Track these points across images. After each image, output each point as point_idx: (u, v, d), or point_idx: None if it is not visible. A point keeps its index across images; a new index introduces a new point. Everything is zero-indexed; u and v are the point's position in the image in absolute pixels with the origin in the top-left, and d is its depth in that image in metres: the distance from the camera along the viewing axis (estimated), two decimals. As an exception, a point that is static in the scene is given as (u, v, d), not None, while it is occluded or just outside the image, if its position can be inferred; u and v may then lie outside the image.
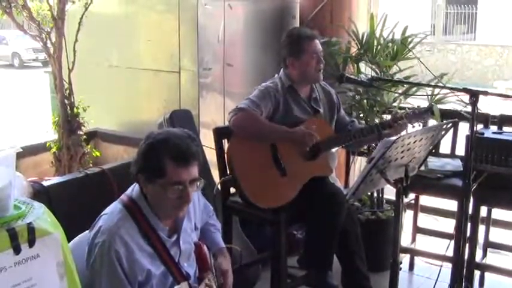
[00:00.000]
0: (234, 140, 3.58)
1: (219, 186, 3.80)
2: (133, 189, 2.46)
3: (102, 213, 2.43)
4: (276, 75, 3.79)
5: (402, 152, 2.72)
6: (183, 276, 2.46)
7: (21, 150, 1.87)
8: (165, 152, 2.31)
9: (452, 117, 3.79)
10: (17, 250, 1.80)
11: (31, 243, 1.83)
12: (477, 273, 4.07)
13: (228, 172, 3.65)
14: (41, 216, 1.92)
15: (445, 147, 4.20)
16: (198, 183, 2.40)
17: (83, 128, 4.20)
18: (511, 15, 19.83)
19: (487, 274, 4.22)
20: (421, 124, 3.63)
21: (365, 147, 4.43)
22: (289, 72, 3.71)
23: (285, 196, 3.51)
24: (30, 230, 1.83)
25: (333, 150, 3.81)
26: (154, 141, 2.36)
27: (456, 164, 3.94)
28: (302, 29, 3.83)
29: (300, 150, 3.57)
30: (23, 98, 15.31)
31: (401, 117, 3.55)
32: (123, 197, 2.46)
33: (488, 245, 4.27)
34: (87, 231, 2.46)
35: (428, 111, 3.63)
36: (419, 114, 3.59)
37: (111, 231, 2.29)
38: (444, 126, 2.99)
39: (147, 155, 2.35)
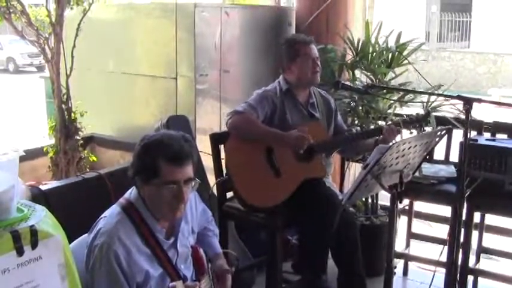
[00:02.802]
0: (231, 141, 3.64)
1: (214, 189, 3.83)
2: (131, 192, 2.50)
3: (101, 216, 2.46)
4: (276, 80, 3.85)
5: (397, 158, 2.74)
6: (180, 279, 2.48)
7: (23, 153, 1.90)
8: (159, 152, 2.35)
9: (446, 124, 3.83)
10: (20, 252, 1.82)
11: (34, 245, 1.86)
12: (470, 278, 4.10)
13: (225, 173, 3.69)
14: (43, 218, 1.94)
15: (439, 153, 4.24)
16: (193, 183, 2.44)
17: (80, 133, 4.22)
18: (504, 23, 19.93)
19: (480, 279, 4.24)
20: (418, 130, 3.68)
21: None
22: (287, 76, 3.80)
23: (278, 196, 3.56)
24: (33, 232, 1.86)
25: (329, 157, 3.86)
26: (149, 142, 2.41)
27: (450, 171, 3.97)
28: (299, 34, 3.97)
29: (294, 152, 3.62)
30: (18, 103, 15.28)
31: (397, 124, 3.61)
32: (122, 200, 2.49)
33: (481, 250, 4.31)
34: (85, 235, 2.49)
35: (426, 118, 3.68)
36: (416, 121, 3.65)
37: (110, 233, 2.32)
38: (438, 133, 3.02)
39: (142, 155, 2.40)
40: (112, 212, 2.44)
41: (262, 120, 3.66)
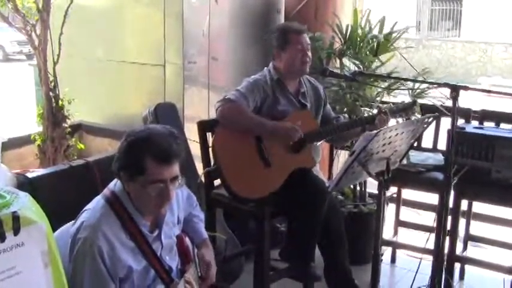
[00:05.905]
0: (220, 130, 3.58)
1: (202, 178, 3.81)
2: (116, 184, 2.45)
3: (84, 208, 2.43)
4: (265, 68, 3.82)
5: (383, 145, 2.75)
6: (165, 271, 2.47)
7: (6, 140, 1.88)
8: (146, 151, 2.30)
9: (434, 111, 3.84)
10: (1, 238, 1.81)
11: (16, 231, 1.84)
12: (457, 266, 4.12)
13: (213, 163, 3.66)
14: (26, 205, 1.92)
15: (427, 141, 4.25)
16: (179, 181, 2.40)
17: (67, 120, 4.20)
18: (495, 12, 19.96)
19: (467, 267, 4.28)
20: (405, 119, 3.68)
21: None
22: (276, 64, 3.76)
23: (268, 187, 3.53)
24: (15, 218, 1.84)
25: (318, 143, 3.85)
26: (135, 138, 2.34)
27: (438, 158, 3.99)
28: (291, 22, 3.90)
29: (284, 143, 3.60)
30: (7, 90, 15.19)
31: (384, 112, 3.60)
32: (106, 191, 2.45)
33: (468, 238, 4.34)
34: (68, 224, 2.47)
35: (412, 106, 3.67)
36: (403, 109, 3.65)
37: (94, 228, 2.29)
38: (425, 120, 3.03)
39: (128, 152, 2.34)
40: (96, 205, 2.40)
41: (252, 109, 3.61)
